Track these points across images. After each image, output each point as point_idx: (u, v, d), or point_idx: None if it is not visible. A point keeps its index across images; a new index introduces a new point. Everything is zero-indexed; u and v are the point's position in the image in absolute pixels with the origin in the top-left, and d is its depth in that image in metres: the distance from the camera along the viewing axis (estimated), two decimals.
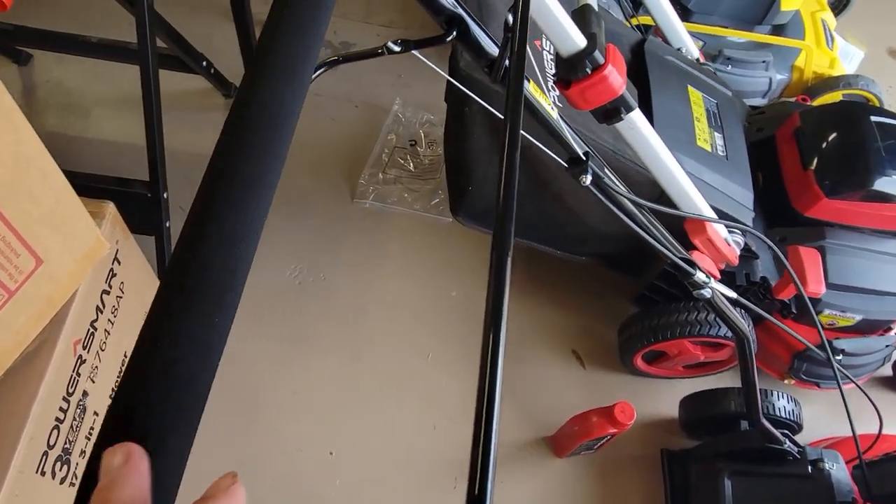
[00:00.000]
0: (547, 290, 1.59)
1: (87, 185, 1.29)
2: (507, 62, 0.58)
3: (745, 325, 0.97)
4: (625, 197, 0.77)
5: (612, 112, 0.93)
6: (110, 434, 0.26)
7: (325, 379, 1.41)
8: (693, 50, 1.43)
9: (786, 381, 1.46)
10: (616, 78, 0.86)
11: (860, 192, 1.25)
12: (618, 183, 0.78)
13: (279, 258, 1.54)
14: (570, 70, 0.85)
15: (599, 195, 0.75)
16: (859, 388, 1.12)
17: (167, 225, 1.38)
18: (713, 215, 1.13)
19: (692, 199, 1.10)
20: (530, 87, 0.65)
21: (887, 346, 1.40)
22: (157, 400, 0.26)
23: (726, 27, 1.82)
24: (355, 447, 1.35)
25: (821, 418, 1.47)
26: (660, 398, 1.49)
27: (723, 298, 0.90)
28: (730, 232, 1.20)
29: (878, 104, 1.81)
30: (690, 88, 1.31)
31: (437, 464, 1.35)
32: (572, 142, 0.71)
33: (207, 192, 0.31)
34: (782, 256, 0.97)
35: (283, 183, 1.46)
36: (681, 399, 1.38)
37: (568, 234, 1.31)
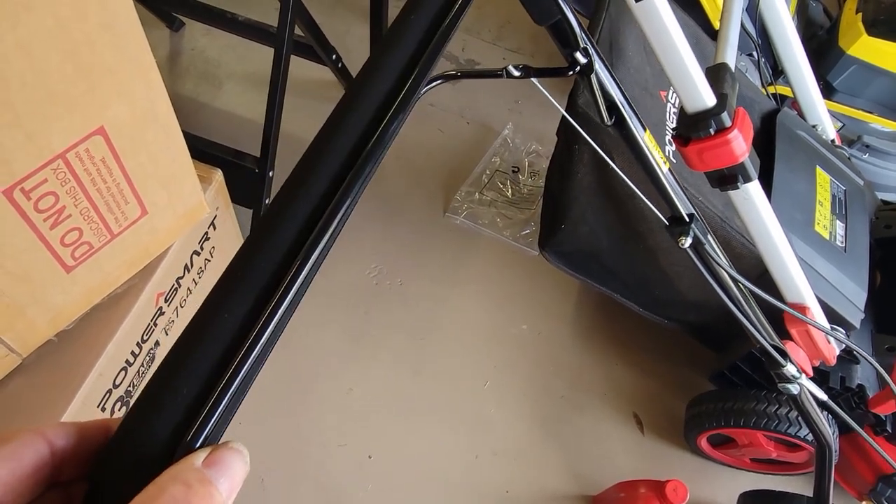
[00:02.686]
0: (619, 346, 1.53)
1: (204, 151, 1.36)
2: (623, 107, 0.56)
3: (830, 432, 0.88)
4: (724, 269, 0.72)
5: (728, 178, 0.88)
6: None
7: (382, 383, 1.41)
8: (830, 130, 1.34)
9: (863, 503, 1.32)
10: (740, 144, 0.82)
11: None
12: (720, 253, 0.73)
13: (361, 254, 1.57)
14: (692, 127, 0.82)
15: (696, 261, 0.71)
16: None
17: (266, 202, 1.43)
18: (817, 307, 1.05)
19: (797, 286, 1.03)
20: (645, 137, 0.63)
21: None
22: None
23: (871, 113, 1.70)
24: (395, 458, 1.34)
25: None
26: (718, 485, 1.39)
27: (811, 398, 0.83)
28: (832, 328, 1.11)
29: None
30: (819, 169, 1.22)
31: (469, 495, 1.32)
32: (678, 201, 0.68)
33: (288, 192, 0.31)
34: (881, 369, 0.88)
35: (379, 183, 1.48)
36: (741, 493, 1.28)
37: (655, 294, 1.25)
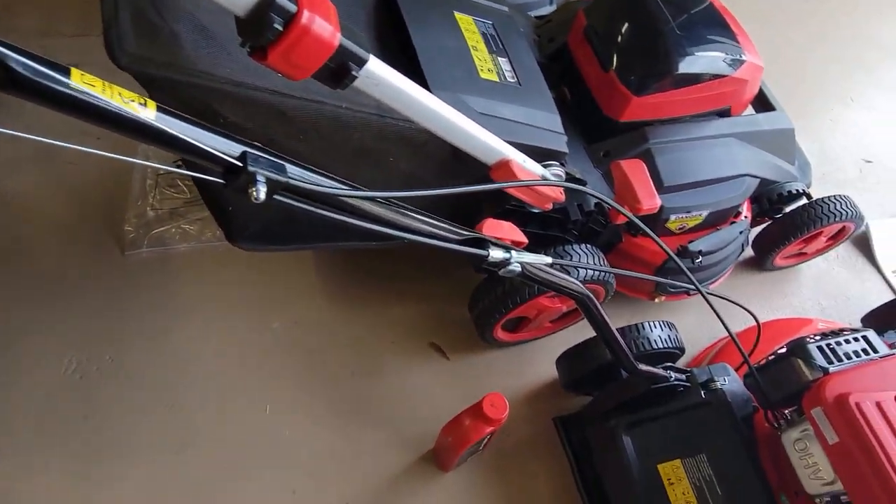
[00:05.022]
0: (377, 290, 1.38)
1: None
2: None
3: (578, 285, 0.80)
4: (354, 195, 0.55)
5: (340, 71, 0.70)
6: None
7: (148, 485, 1.12)
8: None
9: (656, 301, 1.35)
10: (322, 26, 0.63)
11: (667, 81, 1.12)
12: (330, 184, 0.55)
13: (46, 354, 1.21)
14: (257, 34, 0.62)
15: (301, 204, 0.52)
16: (700, 293, 1.00)
17: None
18: (518, 154, 0.95)
19: (489, 144, 0.91)
20: (73, 81, 0.40)
21: (741, 231, 1.31)
22: None
23: None
24: None
25: (701, 327, 1.38)
26: (537, 362, 1.34)
27: (540, 266, 0.72)
28: (545, 166, 1.03)
29: None
30: (457, 15, 1.11)
31: None
32: (209, 147, 0.47)
33: None
34: (602, 196, 0.80)
35: (28, 260, 1.04)
36: (556, 360, 1.23)
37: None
